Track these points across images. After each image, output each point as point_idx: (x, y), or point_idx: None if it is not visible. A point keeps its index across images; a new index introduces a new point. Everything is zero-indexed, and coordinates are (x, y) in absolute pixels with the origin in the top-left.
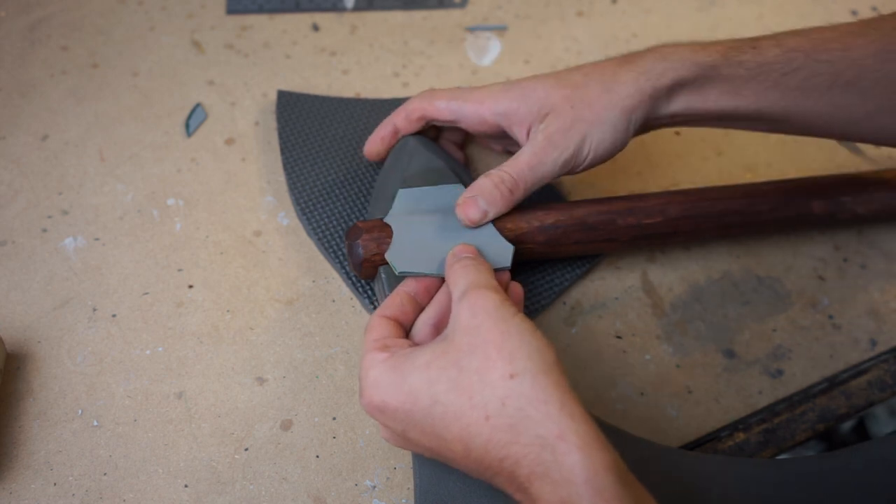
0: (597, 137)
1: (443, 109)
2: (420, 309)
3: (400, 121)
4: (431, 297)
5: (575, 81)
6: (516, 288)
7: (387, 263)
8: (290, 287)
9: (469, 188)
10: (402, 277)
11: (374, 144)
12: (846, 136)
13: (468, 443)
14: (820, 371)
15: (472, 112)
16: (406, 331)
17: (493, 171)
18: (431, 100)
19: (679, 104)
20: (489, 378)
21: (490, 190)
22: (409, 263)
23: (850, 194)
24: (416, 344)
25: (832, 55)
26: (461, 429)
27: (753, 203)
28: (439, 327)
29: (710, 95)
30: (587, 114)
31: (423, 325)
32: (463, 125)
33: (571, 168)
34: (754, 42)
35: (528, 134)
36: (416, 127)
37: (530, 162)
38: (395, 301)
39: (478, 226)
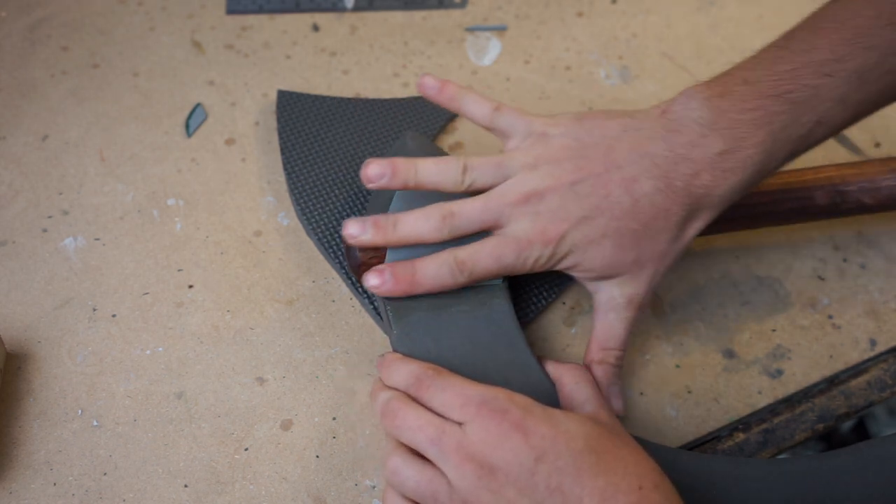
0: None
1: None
2: None
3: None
4: None
5: (635, 233)
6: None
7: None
8: (290, 287)
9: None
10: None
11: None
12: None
13: None
14: (820, 371)
15: None
16: None
17: (609, 360)
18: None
19: None
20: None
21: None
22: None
23: (855, 183)
24: None
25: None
26: None
27: (754, 194)
28: None
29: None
30: (658, 265)
31: None
32: None
33: None
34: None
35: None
36: None
37: (627, 329)
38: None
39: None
